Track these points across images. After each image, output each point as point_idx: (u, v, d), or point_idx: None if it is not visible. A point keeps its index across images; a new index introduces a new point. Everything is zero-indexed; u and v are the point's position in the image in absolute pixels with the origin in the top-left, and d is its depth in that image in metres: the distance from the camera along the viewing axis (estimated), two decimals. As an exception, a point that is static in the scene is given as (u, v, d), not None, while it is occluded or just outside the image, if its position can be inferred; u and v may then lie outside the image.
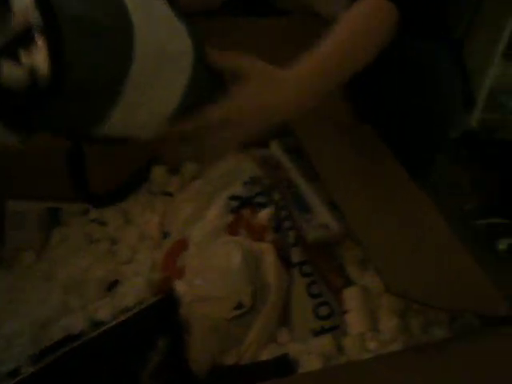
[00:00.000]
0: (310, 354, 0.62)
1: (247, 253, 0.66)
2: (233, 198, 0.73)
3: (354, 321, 0.65)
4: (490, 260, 1.37)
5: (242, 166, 0.79)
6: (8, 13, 0.40)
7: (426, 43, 0.87)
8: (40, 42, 0.41)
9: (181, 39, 0.53)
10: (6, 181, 0.77)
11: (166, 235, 0.76)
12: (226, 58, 0.60)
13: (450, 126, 0.95)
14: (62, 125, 0.49)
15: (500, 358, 0.56)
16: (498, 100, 1.70)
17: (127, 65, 0.47)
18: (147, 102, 0.51)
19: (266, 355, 0.63)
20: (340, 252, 0.72)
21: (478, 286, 0.61)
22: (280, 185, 0.77)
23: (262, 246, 0.67)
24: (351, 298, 0.66)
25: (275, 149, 0.84)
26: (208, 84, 0.59)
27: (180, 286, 0.66)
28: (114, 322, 0.63)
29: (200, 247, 0.69)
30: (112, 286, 0.72)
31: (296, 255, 0.69)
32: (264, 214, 0.71)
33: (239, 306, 0.62)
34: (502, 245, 1.42)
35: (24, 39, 0.41)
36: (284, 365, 0.61)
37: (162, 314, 0.64)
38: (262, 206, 0.72)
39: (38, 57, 0.41)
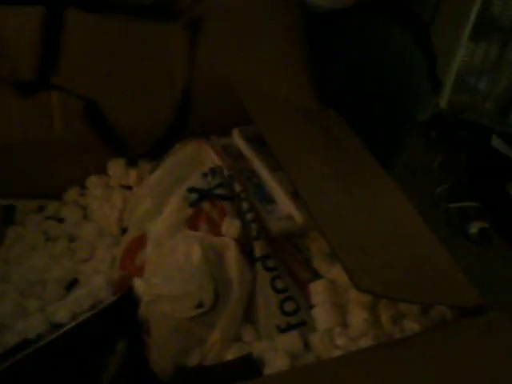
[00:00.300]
0: (276, 351, 0.59)
1: (208, 248, 0.63)
2: (192, 190, 0.70)
3: (322, 316, 0.63)
4: (461, 244, 1.39)
5: (201, 155, 0.76)
6: None
7: (391, 27, 0.86)
8: None
9: None
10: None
11: (124, 231, 0.73)
12: None
13: (417, 109, 0.94)
14: None
15: (473, 349, 0.54)
16: (466, 82, 1.71)
17: None
18: None
19: (231, 354, 0.60)
20: (306, 244, 0.70)
21: (450, 277, 0.59)
22: (241, 175, 0.74)
23: (223, 240, 0.65)
24: (318, 292, 0.64)
25: (236, 137, 0.81)
26: None
27: (139, 285, 0.63)
28: (71, 325, 0.60)
29: (159, 243, 0.66)
30: (71, 285, 0.69)
31: (259, 249, 0.66)
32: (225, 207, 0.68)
33: (200, 304, 0.60)
34: (474, 228, 1.42)
35: None
36: (249, 364, 0.59)
37: (121, 314, 0.62)
38: (223, 198, 0.70)
39: None
